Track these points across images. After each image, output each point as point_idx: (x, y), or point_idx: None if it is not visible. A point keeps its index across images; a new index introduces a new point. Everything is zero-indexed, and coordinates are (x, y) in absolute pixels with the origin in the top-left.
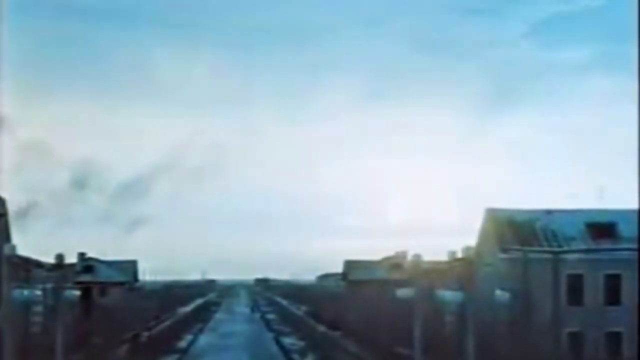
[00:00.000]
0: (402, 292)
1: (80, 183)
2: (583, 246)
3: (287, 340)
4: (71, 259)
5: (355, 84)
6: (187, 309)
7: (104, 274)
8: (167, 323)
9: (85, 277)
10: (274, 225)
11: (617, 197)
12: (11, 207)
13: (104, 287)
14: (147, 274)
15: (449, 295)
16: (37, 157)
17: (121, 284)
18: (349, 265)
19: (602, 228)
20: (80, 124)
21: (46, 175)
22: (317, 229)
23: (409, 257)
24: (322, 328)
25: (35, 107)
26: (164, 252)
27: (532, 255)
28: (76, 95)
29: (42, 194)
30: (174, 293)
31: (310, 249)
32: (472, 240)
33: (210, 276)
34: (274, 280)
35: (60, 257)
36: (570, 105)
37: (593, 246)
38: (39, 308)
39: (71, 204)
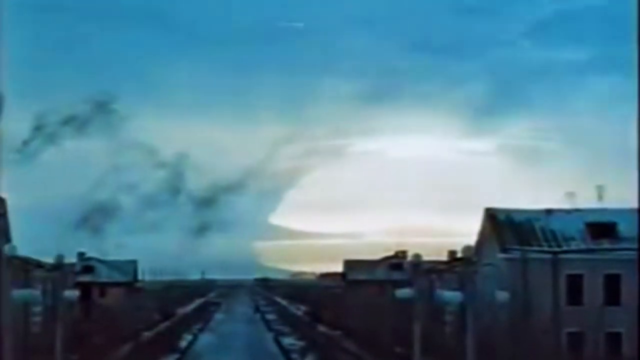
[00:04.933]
0: (402, 292)
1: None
2: (583, 246)
3: (287, 341)
4: (71, 258)
5: (354, 84)
6: (187, 309)
7: (103, 274)
8: (167, 323)
9: (85, 277)
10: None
11: (617, 197)
12: (87, 206)
13: (104, 287)
14: (146, 274)
15: (448, 295)
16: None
17: (121, 284)
18: (349, 265)
19: (601, 228)
20: None
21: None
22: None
23: (409, 257)
24: (321, 328)
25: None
26: (164, 252)
27: (531, 255)
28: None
29: (127, 195)
30: (173, 293)
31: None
32: (471, 240)
33: (210, 276)
34: (274, 280)
35: (60, 257)
36: (571, 104)
37: (593, 246)
38: (38, 308)
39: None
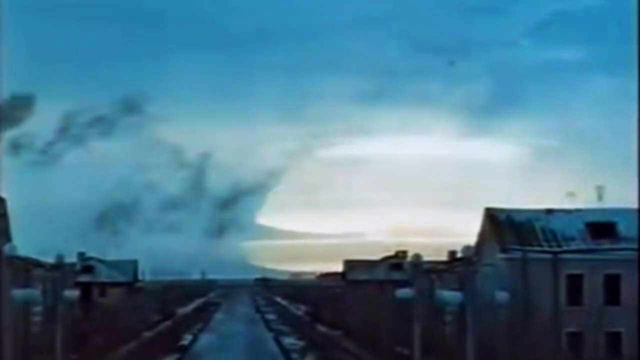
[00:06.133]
0: (402, 292)
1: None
2: (583, 246)
3: (287, 340)
4: (71, 258)
5: (355, 84)
6: (187, 309)
7: (104, 274)
8: (167, 323)
9: (85, 277)
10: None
11: (617, 197)
12: (105, 207)
13: (104, 287)
14: (147, 273)
15: (448, 295)
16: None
17: (121, 284)
18: (349, 265)
19: (601, 228)
20: None
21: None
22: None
23: (409, 257)
24: (322, 328)
25: None
26: (164, 252)
27: (531, 255)
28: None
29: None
30: (173, 293)
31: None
32: (471, 241)
33: (210, 276)
34: (273, 280)
35: (60, 257)
36: (571, 104)
37: (593, 246)
38: (38, 308)
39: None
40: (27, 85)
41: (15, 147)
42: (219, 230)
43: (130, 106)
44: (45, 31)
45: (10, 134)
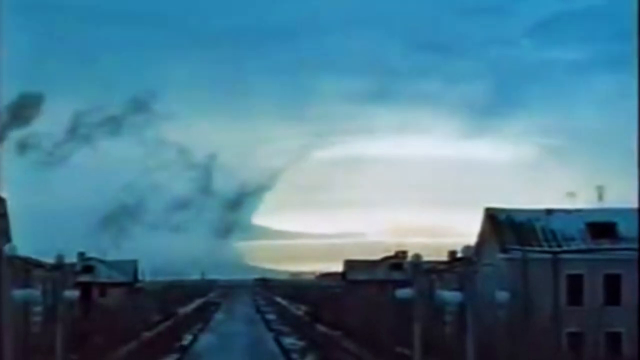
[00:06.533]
0: (402, 292)
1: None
2: (583, 246)
3: (287, 341)
4: (72, 258)
5: (355, 84)
6: (187, 309)
7: (104, 274)
8: (167, 323)
9: (85, 277)
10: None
11: (617, 197)
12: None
13: (104, 287)
14: (147, 274)
15: (448, 295)
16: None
17: (121, 284)
18: (349, 265)
19: (602, 228)
20: None
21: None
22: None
23: (409, 257)
24: (322, 328)
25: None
26: (165, 252)
27: (532, 255)
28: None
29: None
30: (173, 293)
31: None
32: (472, 241)
33: (210, 276)
34: (273, 280)
35: (60, 257)
36: (571, 104)
37: (593, 246)
38: (38, 308)
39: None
40: (35, 85)
41: (23, 147)
42: (225, 231)
43: (138, 106)
44: (54, 31)
45: (18, 133)
